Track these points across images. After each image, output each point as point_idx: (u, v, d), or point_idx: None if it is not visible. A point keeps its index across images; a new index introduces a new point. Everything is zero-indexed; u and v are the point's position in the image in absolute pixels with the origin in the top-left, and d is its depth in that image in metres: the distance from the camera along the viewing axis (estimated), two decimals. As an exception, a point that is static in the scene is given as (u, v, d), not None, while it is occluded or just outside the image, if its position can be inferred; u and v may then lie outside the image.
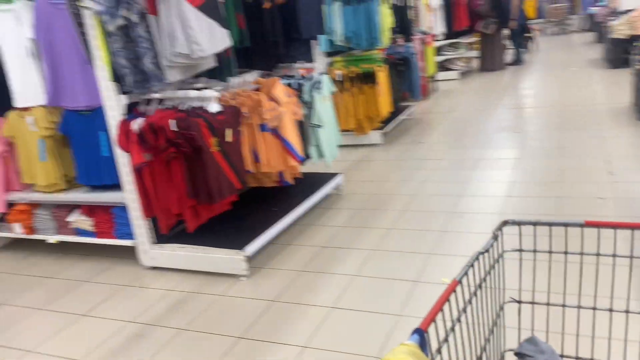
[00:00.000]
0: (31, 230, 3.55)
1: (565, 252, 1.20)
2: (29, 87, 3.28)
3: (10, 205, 3.58)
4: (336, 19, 5.19)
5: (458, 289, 0.99)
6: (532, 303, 1.27)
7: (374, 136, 5.45)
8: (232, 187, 2.94)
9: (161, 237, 3.12)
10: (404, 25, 6.14)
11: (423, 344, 0.76)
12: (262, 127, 3.24)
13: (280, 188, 3.68)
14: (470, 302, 1.03)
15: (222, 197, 2.86)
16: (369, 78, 5.23)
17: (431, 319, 0.86)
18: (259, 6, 3.21)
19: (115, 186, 3.25)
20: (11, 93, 3.32)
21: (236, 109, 2.99)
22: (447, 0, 8.54)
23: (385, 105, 5.35)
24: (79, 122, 3.21)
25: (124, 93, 2.87)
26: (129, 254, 3.31)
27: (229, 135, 2.87)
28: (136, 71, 2.76)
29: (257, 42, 3.33)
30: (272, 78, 3.46)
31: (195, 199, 2.85)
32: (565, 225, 1.18)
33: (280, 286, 2.77)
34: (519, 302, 1.25)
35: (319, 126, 3.70)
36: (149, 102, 2.96)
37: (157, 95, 2.90)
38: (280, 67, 3.87)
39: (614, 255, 1.24)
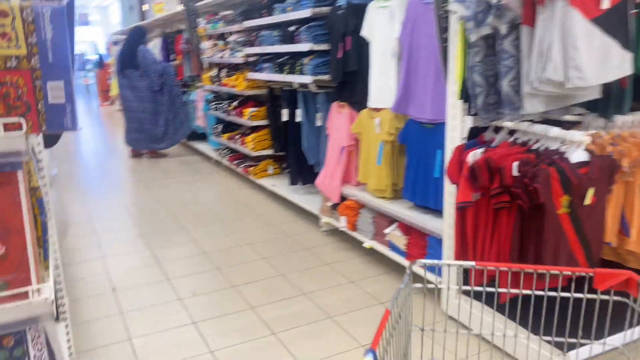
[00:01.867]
0: (353, 227, 3.55)
1: (460, 288, 1.35)
2: (384, 88, 3.17)
3: (343, 198, 3.65)
4: None
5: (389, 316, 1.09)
6: (433, 330, 1.42)
7: None
8: (574, 263, 2.16)
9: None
10: None
11: None
12: (647, 191, 2.28)
13: (651, 276, 2.61)
14: (394, 328, 1.15)
15: (557, 274, 2.12)
16: None
17: (377, 340, 0.98)
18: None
19: (438, 212, 2.88)
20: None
21: (611, 161, 2.14)
22: None
23: None
24: (419, 134, 2.94)
25: (471, 115, 2.41)
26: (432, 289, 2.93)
27: (589, 197, 2.08)
28: (490, 92, 2.24)
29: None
30: (684, 123, 2.39)
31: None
32: (460, 265, 1.30)
33: None
34: (422, 329, 1.39)
35: None
36: (497, 130, 2.41)
37: (508, 124, 2.32)
38: None
39: (497, 290, 1.49)
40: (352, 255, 3.55)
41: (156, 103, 6.70)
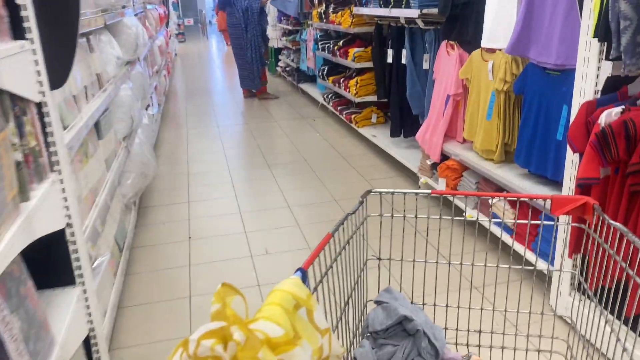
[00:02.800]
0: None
1: (416, 216, 1.32)
2: (502, 24, 2.54)
3: (445, 157, 3.12)
4: None
5: (331, 241, 1.06)
6: (390, 260, 1.39)
7: None
8: None
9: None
10: None
11: (304, 280, 0.84)
12: None
13: None
14: (340, 254, 1.12)
15: None
16: None
17: (310, 261, 0.94)
18: None
19: (558, 185, 2.28)
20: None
21: None
22: None
23: None
24: (540, 83, 2.30)
25: (611, 59, 1.75)
26: (538, 276, 2.39)
27: None
28: (642, 27, 1.58)
29: None
30: None
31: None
32: (416, 194, 1.27)
33: None
34: (379, 259, 1.38)
35: None
36: (648, 81, 1.74)
37: (667, 74, 1.64)
38: None
39: (452, 219, 1.38)
40: (448, 224, 3.06)
41: (246, 40, 6.65)
